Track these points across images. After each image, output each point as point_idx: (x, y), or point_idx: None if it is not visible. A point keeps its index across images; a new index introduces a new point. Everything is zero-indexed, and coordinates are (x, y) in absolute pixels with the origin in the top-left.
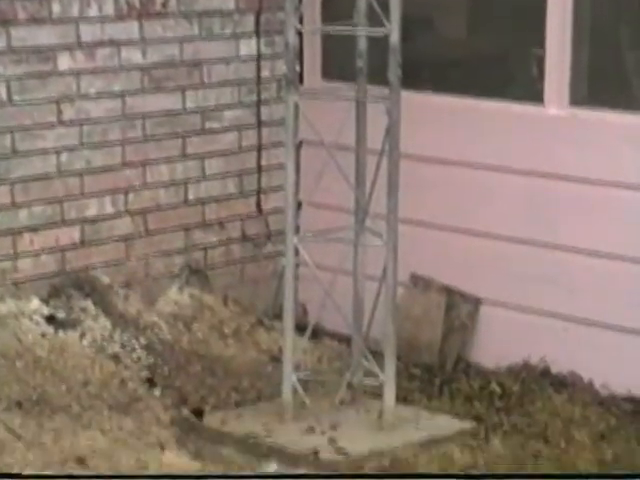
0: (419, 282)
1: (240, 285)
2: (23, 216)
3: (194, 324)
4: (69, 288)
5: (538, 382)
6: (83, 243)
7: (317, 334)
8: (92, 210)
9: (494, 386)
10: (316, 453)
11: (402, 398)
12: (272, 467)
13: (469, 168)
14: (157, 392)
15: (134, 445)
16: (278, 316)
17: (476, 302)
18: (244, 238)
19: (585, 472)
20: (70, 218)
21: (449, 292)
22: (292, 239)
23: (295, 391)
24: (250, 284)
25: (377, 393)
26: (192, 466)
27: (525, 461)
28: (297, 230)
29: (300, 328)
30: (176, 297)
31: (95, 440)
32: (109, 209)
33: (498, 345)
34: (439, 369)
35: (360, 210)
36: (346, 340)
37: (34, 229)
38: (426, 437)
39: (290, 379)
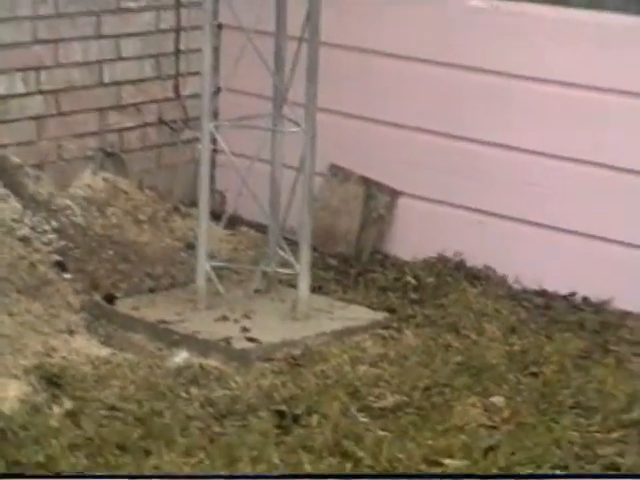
0: (338, 173)
1: (157, 171)
2: None
3: (108, 209)
4: None
5: (453, 275)
6: None
7: (235, 223)
8: (1, 88)
9: (409, 278)
10: (228, 341)
11: (317, 288)
12: (182, 355)
13: (389, 58)
14: (68, 276)
15: (42, 330)
16: (195, 204)
17: (394, 194)
18: (161, 122)
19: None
20: None
21: (367, 183)
22: (208, 125)
23: (209, 279)
24: (167, 170)
25: (292, 283)
26: (102, 352)
27: (436, 352)
28: (215, 116)
29: (217, 216)
30: (90, 181)
31: (2, 324)
32: (20, 87)
33: (414, 238)
34: (355, 260)
35: (278, 97)
36: (263, 229)
37: None
38: (339, 327)
39: (204, 267)
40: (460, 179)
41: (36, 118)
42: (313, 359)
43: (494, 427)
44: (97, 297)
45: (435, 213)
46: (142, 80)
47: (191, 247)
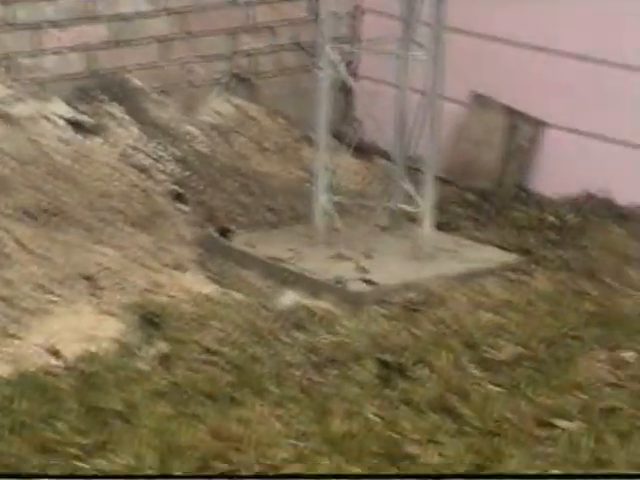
0: (480, 101)
1: (290, 97)
2: (49, 10)
3: (235, 137)
4: (97, 91)
5: (599, 214)
6: (115, 42)
7: (370, 153)
8: (126, 6)
9: (550, 217)
10: (341, 281)
11: (450, 226)
12: (290, 296)
13: None
14: (184, 208)
15: (150, 264)
16: (332, 133)
17: (539, 125)
18: (296, 45)
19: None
20: (101, 14)
21: (511, 113)
22: (327, 49)
23: (328, 215)
24: (302, 96)
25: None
26: (209, 289)
27: (568, 300)
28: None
29: (355, 147)
30: (218, 106)
31: (108, 257)
32: (144, 6)
33: (560, 173)
34: (495, 196)
35: (410, 18)
36: None
37: (60, 25)
38: (464, 270)
39: (321, 201)
40: (612, 109)
41: (162, 40)
42: (432, 304)
43: (620, 386)
44: (212, 231)
45: (583, 146)
46: (277, 0)
47: None
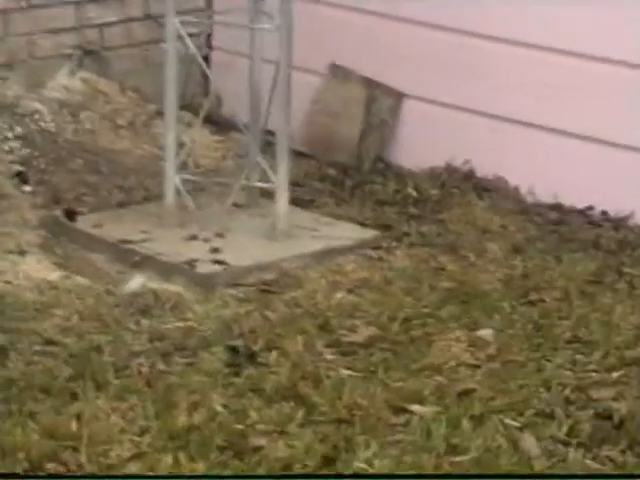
0: (338, 73)
1: (142, 71)
2: None
3: (83, 113)
4: None
5: (460, 187)
6: None
7: (228, 128)
8: None
9: (410, 190)
10: (192, 263)
11: (308, 202)
12: (137, 280)
13: None
14: (27, 189)
15: None
16: (185, 107)
17: (398, 97)
18: (147, 17)
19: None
20: None
21: (370, 84)
22: (173, 21)
23: (181, 194)
24: (153, 70)
25: None
26: (53, 275)
27: (426, 277)
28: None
29: (212, 121)
30: (66, 81)
31: None
32: None
33: (420, 145)
34: (355, 170)
35: None
36: None
37: None
38: (321, 247)
39: (172, 180)
40: (471, 81)
41: (2, 12)
42: (287, 285)
43: (476, 366)
44: (58, 213)
45: (443, 118)
46: None
47: None
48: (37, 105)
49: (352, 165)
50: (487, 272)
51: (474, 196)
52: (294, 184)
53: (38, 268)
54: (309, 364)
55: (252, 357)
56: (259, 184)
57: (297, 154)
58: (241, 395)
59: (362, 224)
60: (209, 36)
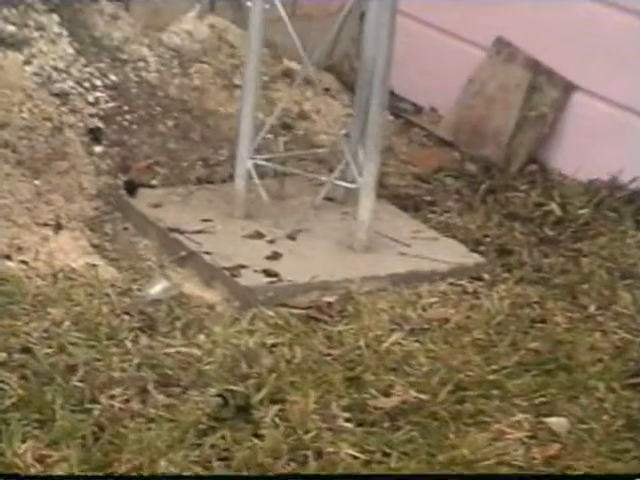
0: (502, 50)
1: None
2: None
3: (197, 65)
4: None
5: (618, 210)
6: None
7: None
8: None
9: (555, 206)
10: (236, 271)
11: (428, 204)
12: (160, 285)
13: None
14: (98, 149)
15: (16, 219)
16: (330, 68)
17: (567, 88)
18: None
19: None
20: None
21: (536, 69)
22: None
23: (253, 181)
24: (300, 21)
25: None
26: (80, 260)
27: (514, 329)
28: None
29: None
30: (190, 26)
31: None
32: None
33: (582, 151)
34: (500, 170)
35: None
36: None
37: None
38: (404, 270)
39: (244, 163)
40: None
41: None
42: (341, 313)
43: (522, 469)
44: (121, 182)
45: (616, 121)
46: None
47: (287, 127)
48: (145, 51)
49: (498, 163)
50: (601, 333)
51: (632, 225)
52: (420, 179)
53: (67, 249)
54: (311, 431)
55: (244, 411)
56: (343, 183)
57: (439, 140)
58: (203, 464)
59: (477, 242)
60: None
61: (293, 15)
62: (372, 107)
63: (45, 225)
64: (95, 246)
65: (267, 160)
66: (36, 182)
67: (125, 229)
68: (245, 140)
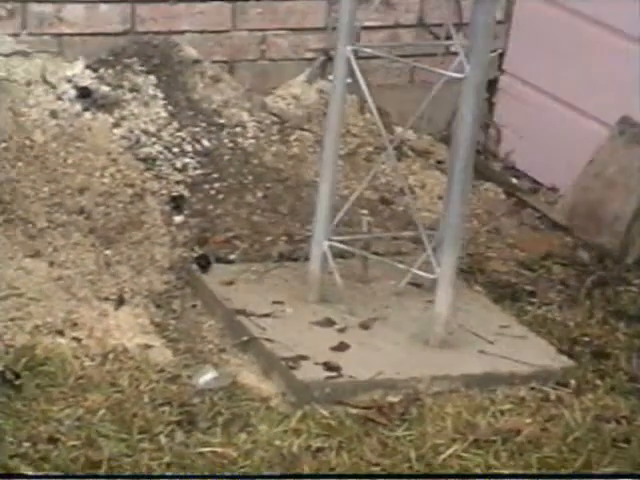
0: (627, 130)
1: (404, 87)
2: None
3: (298, 133)
4: (130, 54)
5: None
6: None
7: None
8: None
9: None
10: (296, 362)
11: (528, 294)
12: (208, 375)
13: None
14: (178, 219)
15: (77, 292)
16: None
17: None
18: (420, 23)
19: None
20: None
21: None
22: (344, 49)
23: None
24: (418, 89)
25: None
26: (136, 339)
27: (591, 448)
28: None
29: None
30: (298, 91)
31: (36, 274)
32: None
33: None
34: (615, 260)
35: None
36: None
37: None
38: (480, 371)
39: (320, 245)
40: None
41: None
42: (404, 417)
43: None
44: (195, 257)
45: None
46: None
47: (386, 202)
48: (244, 116)
49: (613, 252)
50: None
51: None
52: (524, 266)
53: (125, 327)
54: None
55: None
56: (422, 273)
57: (552, 224)
58: None
59: (573, 341)
60: (502, 55)
61: (411, 82)
62: (452, 195)
63: (106, 299)
64: (157, 324)
65: (345, 242)
66: (106, 252)
67: (193, 306)
68: (322, 220)
